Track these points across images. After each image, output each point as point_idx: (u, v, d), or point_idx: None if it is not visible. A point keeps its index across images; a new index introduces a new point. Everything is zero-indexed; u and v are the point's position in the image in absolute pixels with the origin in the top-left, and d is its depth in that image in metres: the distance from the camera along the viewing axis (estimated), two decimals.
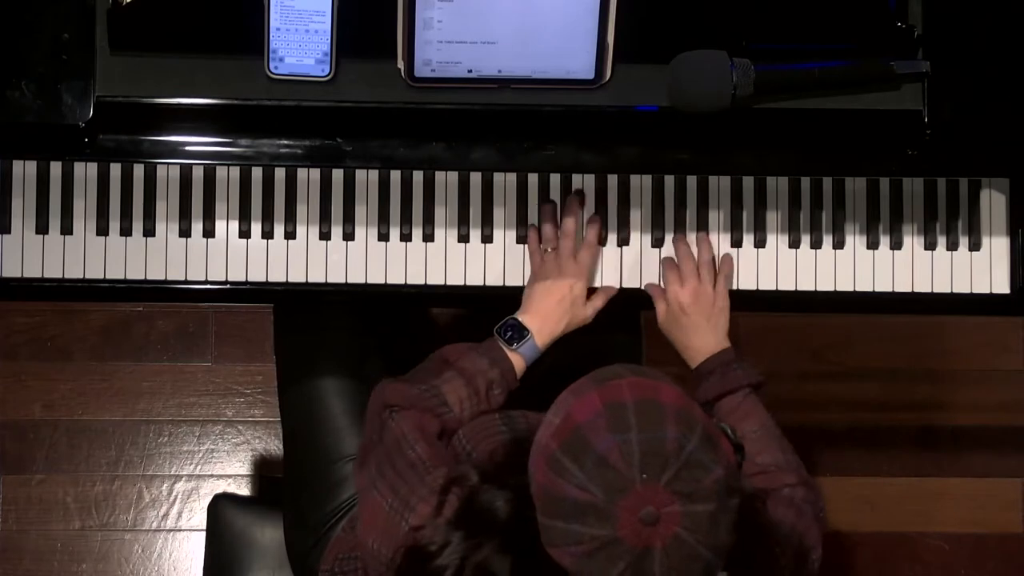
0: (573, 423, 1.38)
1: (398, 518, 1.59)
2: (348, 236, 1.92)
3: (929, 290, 1.96)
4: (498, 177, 1.94)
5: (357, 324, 2.02)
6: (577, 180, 1.94)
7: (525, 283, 1.91)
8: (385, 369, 1.96)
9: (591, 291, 1.91)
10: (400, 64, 1.77)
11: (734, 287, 1.94)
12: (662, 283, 1.93)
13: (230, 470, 2.72)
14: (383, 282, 1.93)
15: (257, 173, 1.91)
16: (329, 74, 1.78)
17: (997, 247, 1.96)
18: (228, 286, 1.92)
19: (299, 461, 1.99)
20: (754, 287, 1.95)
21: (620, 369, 1.43)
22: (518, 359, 1.82)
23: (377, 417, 1.75)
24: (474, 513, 1.49)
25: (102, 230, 1.90)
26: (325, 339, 2.01)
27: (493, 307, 1.88)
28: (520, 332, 1.83)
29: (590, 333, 1.91)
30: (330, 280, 1.92)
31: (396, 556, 1.57)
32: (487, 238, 1.93)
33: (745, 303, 1.95)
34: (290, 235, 1.92)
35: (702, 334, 1.88)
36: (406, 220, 1.93)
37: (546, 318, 1.85)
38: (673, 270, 1.91)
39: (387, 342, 2.04)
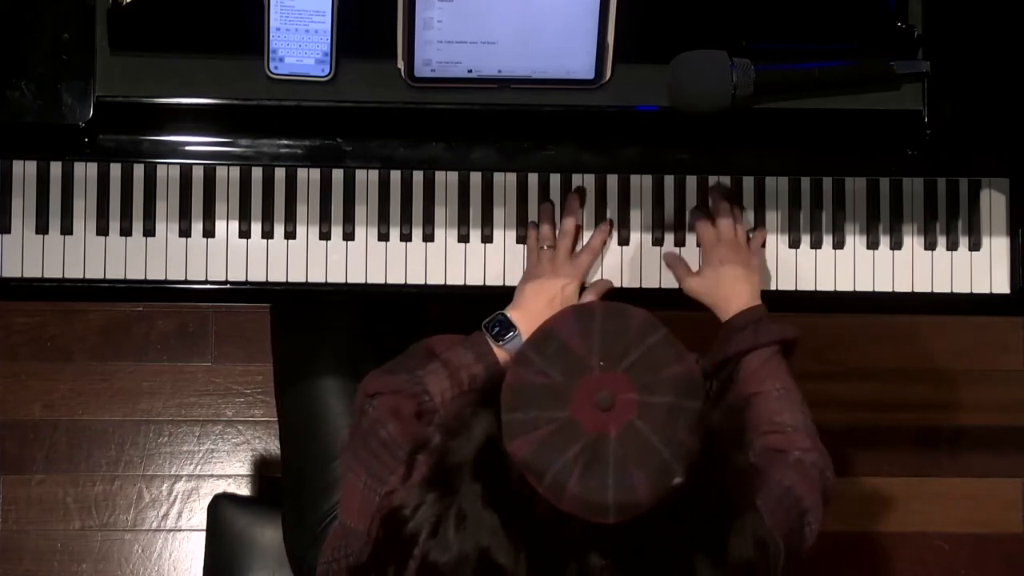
0: (544, 327, 1.42)
1: (372, 494, 1.59)
2: (348, 236, 1.92)
3: (929, 290, 1.96)
4: (498, 177, 1.94)
5: (355, 324, 2.01)
6: (577, 180, 1.94)
7: None
8: None
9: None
10: (400, 64, 1.77)
11: None
12: (699, 240, 1.92)
13: (230, 470, 2.72)
14: (383, 282, 1.93)
15: (257, 173, 1.91)
16: (329, 74, 1.78)
17: (997, 247, 1.96)
18: (228, 286, 1.92)
19: (297, 461, 1.99)
20: None
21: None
22: (504, 355, 1.81)
23: (359, 407, 1.75)
24: (444, 471, 1.49)
25: (102, 230, 1.90)
26: (323, 339, 2.00)
27: (492, 307, 1.88)
28: (507, 328, 1.82)
29: None
30: (330, 280, 1.92)
31: (372, 528, 1.57)
32: (487, 238, 1.93)
33: None
34: (290, 235, 1.92)
35: (739, 289, 1.86)
36: (406, 220, 1.93)
37: (535, 316, 1.83)
38: (708, 227, 1.90)
39: (385, 342, 2.04)
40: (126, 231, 1.90)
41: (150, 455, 2.70)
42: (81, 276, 1.90)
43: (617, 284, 1.93)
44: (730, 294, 1.87)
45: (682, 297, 1.91)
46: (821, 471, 1.74)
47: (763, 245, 1.94)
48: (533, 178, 1.94)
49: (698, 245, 1.93)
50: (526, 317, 1.84)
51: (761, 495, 1.59)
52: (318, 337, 2.01)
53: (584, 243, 1.92)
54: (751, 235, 1.93)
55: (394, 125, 1.81)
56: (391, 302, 1.99)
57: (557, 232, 1.91)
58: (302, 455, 1.98)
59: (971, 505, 2.77)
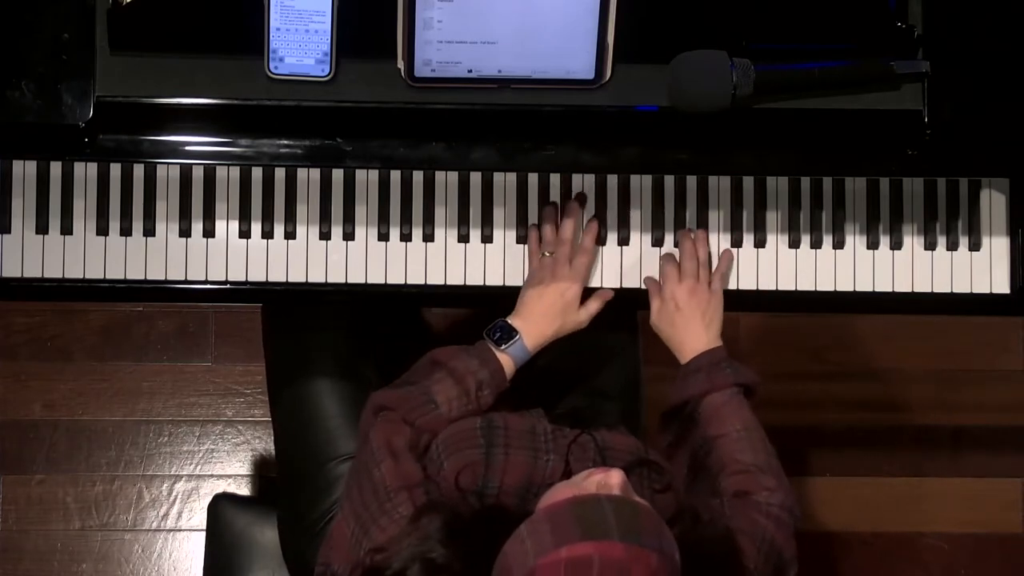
0: None
1: (357, 546, 1.61)
2: (348, 236, 1.92)
3: (929, 290, 1.96)
4: (498, 177, 1.94)
5: (350, 325, 2.01)
6: (577, 180, 1.94)
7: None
8: (378, 370, 1.96)
9: (589, 293, 1.91)
10: (400, 64, 1.77)
11: (734, 287, 1.95)
12: (660, 279, 1.93)
13: (230, 470, 2.72)
14: (383, 282, 1.93)
15: (257, 173, 1.91)
16: (329, 74, 1.78)
17: (997, 247, 1.96)
18: (228, 286, 1.92)
19: (293, 462, 1.99)
20: (754, 287, 1.95)
21: (608, 515, 1.39)
22: (507, 360, 1.82)
23: (364, 432, 1.76)
24: (430, 559, 1.49)
25: (102, 230, 1.90)
26: (317, 340, 2.00)
27: (491, 308, 1.88)
28: (508, 333, 1.83)
29: (588, 331, 1.91)
30: (330, 280, 1.92)
31: None
32: (487, 238, 1.93)
33: (745, 303, 1.95)
34: (290, 235, 1.92)
35: (695, 332, 1.88)
36: (406, 220, 1.93)
37: (536, 322, 1.85)
38: (672, 267, 1.91)
39: (380, 343, 2.04)
40: (126, 231, 1.90)
41: (150, 455, 2.70)
42: (81, 276, 1.90)
43: (617, 284, 1.94)
44: (685, 339, 1.89)
45: None
46: (790, 512, 1.76)
47: (726, 278, 1.94)
48: (533, 178, 1.94)
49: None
50: (527, 323, 1.85)
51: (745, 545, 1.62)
52: (311, 338, 2.00)
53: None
54: (717, 261, 1.93)
55: (394, 125, 1.81)
56: (391, 302, 1.99)
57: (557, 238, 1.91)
58: (300, 455, 1.97)
59: (971, 505, 2.77)
